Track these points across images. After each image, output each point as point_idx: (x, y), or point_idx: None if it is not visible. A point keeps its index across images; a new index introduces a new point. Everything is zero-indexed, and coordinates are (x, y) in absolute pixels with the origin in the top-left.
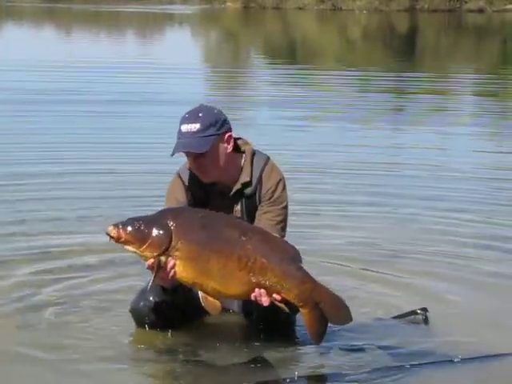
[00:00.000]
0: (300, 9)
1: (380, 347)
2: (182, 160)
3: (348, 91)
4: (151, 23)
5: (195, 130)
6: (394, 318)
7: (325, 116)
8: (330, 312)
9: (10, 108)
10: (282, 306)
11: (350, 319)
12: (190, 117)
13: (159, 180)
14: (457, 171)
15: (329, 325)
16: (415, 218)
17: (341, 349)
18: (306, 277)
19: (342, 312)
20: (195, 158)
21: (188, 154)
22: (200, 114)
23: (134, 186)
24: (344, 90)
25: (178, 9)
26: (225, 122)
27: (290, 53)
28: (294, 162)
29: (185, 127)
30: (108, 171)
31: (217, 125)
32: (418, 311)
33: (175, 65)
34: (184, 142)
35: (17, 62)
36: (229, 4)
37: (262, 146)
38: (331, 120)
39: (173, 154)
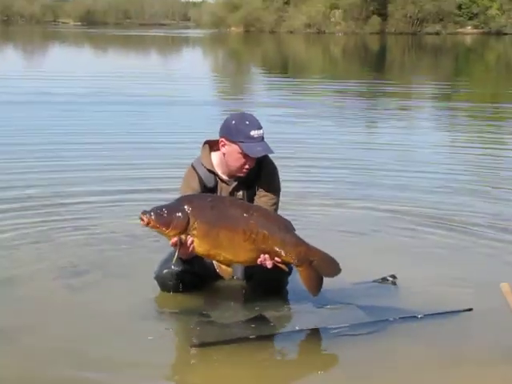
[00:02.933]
0: (291, 32)
1: (358, 306)
2: (190, 154)
3: (330, 96)
4: (170, 44)
5: (262, 134)
6: (370, 282)
7: (310, 114)
8: (322, 267)
9: (61, 108)
10: (283, 266)
11: (339, 270)
12: (254, 124)
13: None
14: (419, 161)
15: (323, 279)
16: (386, 202)
17: (324, 307)
18: (300, 241)
19: (332, 265)
20: (253, 160)
21: (248, 155)
22: (256, 121)
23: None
24: (326, 95)
25: (191, 33)
26: None
27: (282, 66)
28: (284, 149)
29: (256, 133)
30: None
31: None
32: (388, 277)
33: (189, 74)
34: (264, 146)
35: (66, 73)
36: (233, 28)
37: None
38: (315, 117)
39: (258, 156)
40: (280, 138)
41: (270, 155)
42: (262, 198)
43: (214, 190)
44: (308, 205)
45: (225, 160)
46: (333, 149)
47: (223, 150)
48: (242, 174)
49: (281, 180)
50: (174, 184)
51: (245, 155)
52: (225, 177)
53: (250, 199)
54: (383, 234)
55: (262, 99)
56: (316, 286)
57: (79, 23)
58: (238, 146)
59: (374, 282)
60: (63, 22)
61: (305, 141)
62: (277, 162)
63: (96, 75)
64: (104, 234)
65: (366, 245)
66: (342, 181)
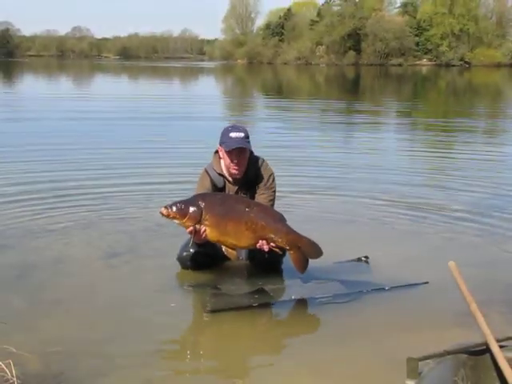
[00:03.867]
0: (285, 63)
1: (338, 280)
2: (204, 162)
3: (315, 112)
4: (189, 73)
5: (242, 136)
6: (347, 262)
7: (299, 127)
8: (308, 251)
9: (106, 123)
10: (277, 250)
11: (321, 253)
12: (235, 128)
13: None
14: (387, 164)
15: (308, 260)
16: (365, 196)
17: (312, 281)
18: (291, 230)
19: (316, 250)
20: (241, 155)
21: (237, 151)
22: (241, 128)
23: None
24: (312, 111)
25: (206, 64)
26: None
27: (278, 90)
28: (278, 155)
29: (234, 134)
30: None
31: (249, 137)
32: (362, 258)
33: (203, 96)
34: (239, 141)
35: (107, 96)
36: (239, 60)
37: (260, 144)
38: (303, 129)
39: (230, 149)
40: (275, 145)
41: (270, 159)
42: (261, 196)
43: (222, 189)
44: (298, 195)
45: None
46: (317, 152)
47: (220, 154)
48: (234, 172)
49: (276, 177)
50: (190, 179)
51: (228, 152)
52: (231, 179)
53: (252, 197)
54: (360, 221)
55: (262, 115)
56: (303, 265)
57: (118, 57)
58: (222, 146)
59: (351, 261)
60: (105, 56)
61: (295, 146)
62: (273, 162)
63: (130, 97)
64: (138, 223)
65: (345, 230)
66: (325, 177)
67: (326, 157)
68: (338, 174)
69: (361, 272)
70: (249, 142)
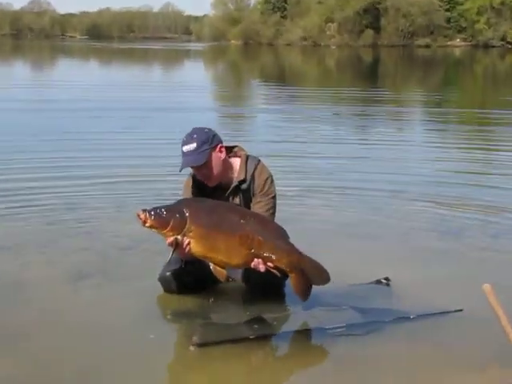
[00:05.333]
0: (288, 45)
1: (353, 307)
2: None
3: (325, 103)
4: (172, 56)
5: (193, 148)
6: (362, 284)
7: (306, 120)
8: (312, 275)
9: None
10: (275, 271)
11: (329, 280)
12: (188, 139)
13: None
14: (412, 162)
15: (312, 286)
16: (382, 200)
17: (321, 308)
18: (293, 249)
19: (322, 275)
20: (198, 169)
21: (193, 167)
22: (194, 136)
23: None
24: (322, 101)
25: (192, 46)
26: (214, 137)
27: (279, 76)
28: (277, 148)
29: (185, 148)
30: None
31: (208, 141)
32: (382, 280)
33: (190, 84)
34: (187, 159)
35: (71, 84)
36: (232, 41)
37: (260, 140)
38: (311, 123)
39: (181, 170)
40: (277, 141)
41: (273, 158)
42: (258, 204)
43: (211, 196)
44: (304, 202)
45: None
46: (327, 149)
47: None
48: (210, 184)
49: (279, 180)
50: (174, 185)
51: (191, 168)
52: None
53: (247, 205)
54: (378, 235)
55: (261, 106)
56: (305, 292)
57: (85, 37)
58: None
59: (369, 283)
60: (70, 36)
61: (301, 143)
62: (275, 162)
63: (101, 85)
64: (109, 237)
65: (361, 247)
66: (337, 179)
67: (338, 154)
68: (352, 174)
69: (380, 297)
70: (206, 149)
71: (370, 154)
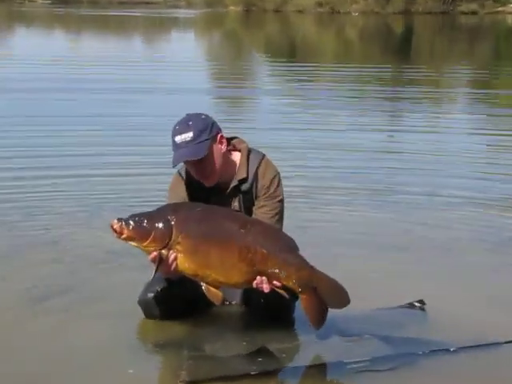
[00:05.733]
0: (299, 12)
1: (379, 336)
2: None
3: (345, 83)
4: (156, 26)
5: (189, 138)
6: (391, 308)
7: (322, 105)
8: (328, 296)
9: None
10: (282, 291)
11: (348, 302)
12: (181, 127)
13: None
14: (452, 154)
15: (328, 310)
16: (415, 205)
17: (340, 338)
18: (304, 264)
19: (340, 295)
20: (195, 164)
21: (188, 162)
22: (190, 123)
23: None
24: (341, 81)
25: (182, 13)
26: (214, 124)
27: (289, 51)
28: (285, 140)
29: (179, 138)
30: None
31: (207, 129)
32: (416, 303)
33: (179, 60)
34: (182, 152)
35: (33, 58)
36: (231, 7)
37: (266, 128)
38: (328, 108)
39: (174, 166)
40: (287, 129)
41: (279, 155)
42: (261, 209)
43: (204, 200)
44: (319, 205)
45: None
46: (348, 139)
47: None
48: (208, 184)
49: (288, 178)
50: (158, 185)
51: (185, 164)
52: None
53: (248, 210)
54: (408, 248)
55: (265, 86)
56: (319, 317)
57: (49, 1)
58: None
59: (399, 307)
60: (30, 1)
61: (316, 131)
62: (285, 155)
63: (69, 60)
64: (78, 249)
65: (388, 261)
66: (360, 175)
67: (362, 147)
68: (379, 171)
69: (413, 324)
70: (206, 139)
71: (401, 146)
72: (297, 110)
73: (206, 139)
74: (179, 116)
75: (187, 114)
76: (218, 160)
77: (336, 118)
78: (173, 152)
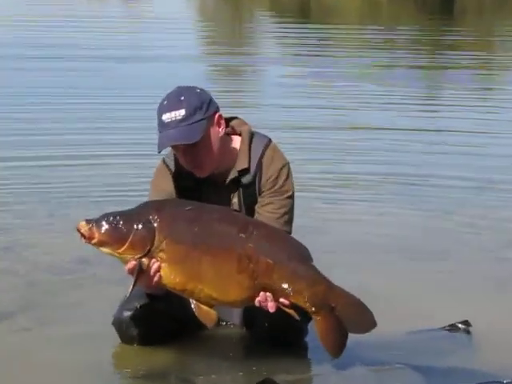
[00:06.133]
0: None
1: (412, 367)
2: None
3: (371, 48)
4: None
5: (181, 117)
6: (429, 330)
7: (343, 75)
8: (348, 318)
9: None
10: (292, 311)
11: (374, 325)
12: (171, 103)
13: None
14: (504, 137)
15: (348, 334)
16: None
17: (364, 368)
18: (319, 277)
19: (363, 316)
20: (186, 150)
21: (178, 147)
22: (182, 98)
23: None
24: (367, 46)
25: None
26: (211, 101)
27: (300, 10)
28: (296, 119)
29: (167, 116)
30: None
31: (203, 107)
32: (459, 325)
33: (165, 21)
34: (171, 134)
35: None
36: None
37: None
38: (350, 80)
39: (160, 151)
40: (298, 106)
41: (286, 142)
42: (266, 208)
43: (195, 196)
44: (338, 202)
45: None
46: (375, 124)
47: None
48: (201, 175)
49: (302, 171)
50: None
51: (172, 149)
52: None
53: (250, 209)
54: (449, 255)
55: (271, 54)
56: (337, 343)
57: None
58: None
59: (439, 330)
60: None
61: (332, 110)
62: (296, 138)
63: (25, 21)
64: (36, 256)
65: (425, 273)
66: (390, 173)
67: (392, 127)
68: (413, 157)
69: (455, 350)
70: (201, 119)
71: (441, 125)
72: (310, 82)
73: (201, 119)
74: (166, 89)
75: (178, 87)
76: (214, 146)
77: (359, 92)
78: (158, 133)
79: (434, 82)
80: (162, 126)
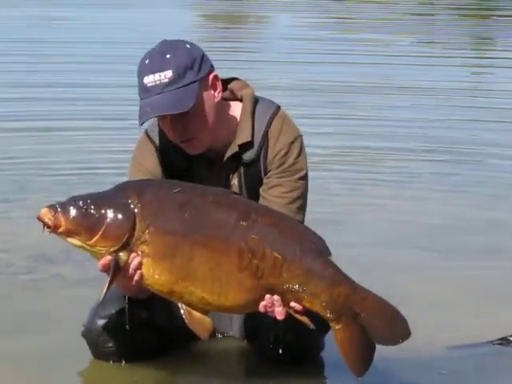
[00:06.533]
0: None
1: None
2: None
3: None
4: None
5: (167, 80)
6: (476, 345)
7: (363, 24)
8: (375, 326)
9: None
10: (305, 319)
11: (407, 334)
12: (155, 62)
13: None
14: None
15: (376, 347)
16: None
17: None
18: (339, 276)
19: (394, 325)
20: (175, 121)
21: (164, 117)
22: (168, 56)
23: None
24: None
25: None
26: (203, 59)
27: None
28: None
29: (151, 79)
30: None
31: (194, 66)
32: (511, 337)
33: None
34: (155, 101)
35: None
36: None
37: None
38: (379, 31)
39: (142, 123)
40: (311, 62)
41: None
42: (274, 190)
43: (186, 176)
44: (362, 185)
45: None
46: (408, 85)
47: None
48: (194, 151)
49: (319, 146)
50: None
51: (158, 119)
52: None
53: (253, 192)
54: (501, 252)
55: (283, 7)
56: (362, 358)
57: None
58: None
59: (485, 344)
60: None
61: (358, 71)
62: (311, 102)
63: None
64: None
65: (469, 273)
66: (428, 145)
67: (430, 86)
68: (455, 122)
69: (506, 367)
70: (192, 82)
71: (491, 87)
72: (329, 33)
73: (193, 81)
74: (149, 43)
75: (163, 42)
76: (209, 114)
77: (390, 46)
78: (140, 101)
79: (483, 34)
80: (144, 91)
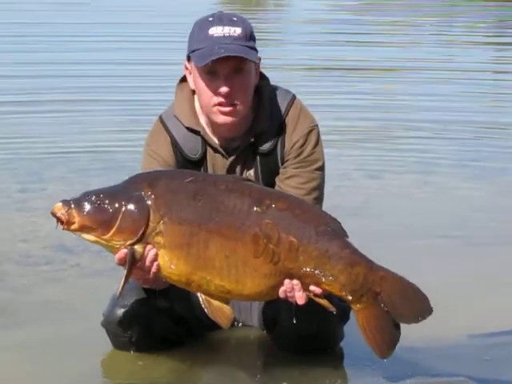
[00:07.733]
0: None
1: (478, 380)
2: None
3: None
4: None
5: (236, 34)
6: (498, 334)
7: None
8: (396, 305)
9: None
10: (325, 302)
11: (430, 311)
12: (222, 20)
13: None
14: None
15: (400, 327)
16: None
17: (415, 380)
18: (357, 256)
19: (415, 302)
20: (229, 78)
21: (218, 72)
22: (235, 19)
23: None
24: None
25: None
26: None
27: None
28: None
29: (219, 30)
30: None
31: (254, 38)
32: None
33: None
34: (226, 46)
35: None
36: None
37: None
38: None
39: (205, 64)
40: (334, 49)
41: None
42: (290, 181)
43: (200, 166)
44: (382, 171)
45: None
46: (434, 66)
47: (191, 85)
48: (224, 119)
49: (325, 132)
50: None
51: (205, 73)
52: (217, 141)
53: (269, 182)
54: None
55: None
56: (385, 340)
57: None
58: (192, 60)
59: (509, 333)
60: None
61: (378, 53)
62: (327, 84)
63: None
64: (7, 243)
65: (495, 262)
66: (455, 128)
67: (458, 67)
68: (482, 105)
69: None
70: (254, 49)
71: None
72: (349, 18)
73: (255, 49)
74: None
75: (218, 13)
76: (251, 91)
77: (415, 28)
78: (197, 51)
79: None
80: (208, 39)
